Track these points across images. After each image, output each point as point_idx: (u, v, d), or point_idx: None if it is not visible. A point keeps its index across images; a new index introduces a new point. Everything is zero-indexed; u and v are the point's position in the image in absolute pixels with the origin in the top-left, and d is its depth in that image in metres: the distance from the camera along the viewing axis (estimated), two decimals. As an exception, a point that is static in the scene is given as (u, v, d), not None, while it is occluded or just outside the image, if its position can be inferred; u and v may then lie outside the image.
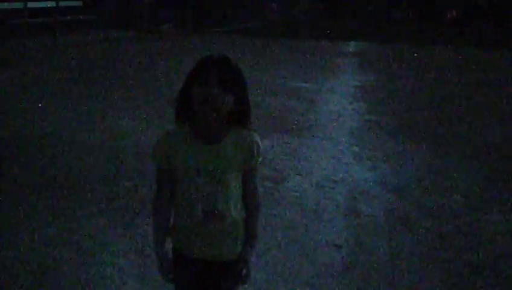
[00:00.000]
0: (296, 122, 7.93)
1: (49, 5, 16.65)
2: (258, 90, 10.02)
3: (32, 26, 16.42)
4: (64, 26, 16.68)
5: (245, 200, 2.25)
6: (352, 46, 19.21)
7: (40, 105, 8.35)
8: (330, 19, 32.97)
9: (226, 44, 18.37)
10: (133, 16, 23.02)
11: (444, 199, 5.18)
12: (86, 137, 6.77)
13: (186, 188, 2.12)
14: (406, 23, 29.84)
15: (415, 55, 16.82)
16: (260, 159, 2.23)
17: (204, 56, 2.05)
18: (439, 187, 5.48)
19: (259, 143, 2.21)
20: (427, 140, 7.12)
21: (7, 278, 3.53)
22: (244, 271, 2.22)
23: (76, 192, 5.02)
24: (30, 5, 16.70)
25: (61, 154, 6.08)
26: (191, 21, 24.72)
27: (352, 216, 4.72)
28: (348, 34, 23.66)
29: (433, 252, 4.11)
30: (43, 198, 4.85)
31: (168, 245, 2.27)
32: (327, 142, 6.90)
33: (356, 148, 6.68)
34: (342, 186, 5.41)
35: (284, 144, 6.75)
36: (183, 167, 2.10)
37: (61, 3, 16.94)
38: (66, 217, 4.47)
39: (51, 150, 6.23)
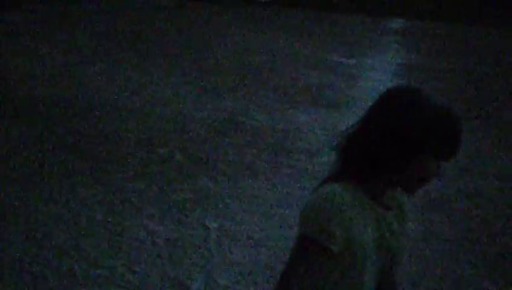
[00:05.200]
0: (334, 97, 7.86)
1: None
2: (297, 64, 9.94)
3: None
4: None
5: None
6: (394, 23, 18.85)
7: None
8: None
9: (264, 17, 18.25)
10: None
11: (480, 181, 5.08)
12: (125, 103, 6.84)
13: (352, 280, 1.44)
14: (455, 2, 29.07)
15: (462, 35, 16.46)
16: None
17: (449, 110, 1.39)
18: (475, 170, 5.37)
19: None
20: (466, 121, 6.98)
21: (42, 234, 3.61)
22: None
23: (114, 156, 5.09)
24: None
25: (101, 118, 6.16)
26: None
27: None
28: (391, 10, 23.21)
29: (466, 235, 4.05)
30: (81, 160, 4.93)
31: None
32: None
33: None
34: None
35: (321, 119, 6.70)
36: (359, 246, 1.41)
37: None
38: (103, 180, 4.55)
39: (91, 113, 6.31)
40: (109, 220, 3.89)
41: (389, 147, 1.38)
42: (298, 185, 4.72)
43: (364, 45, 13.09)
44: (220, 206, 4.22)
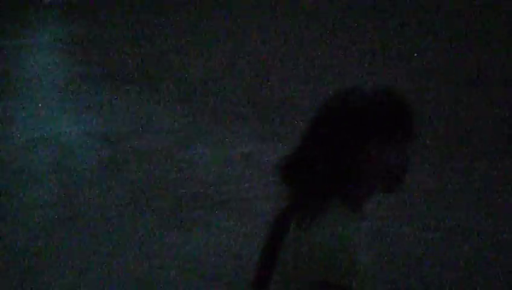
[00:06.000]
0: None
1: None
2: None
3: None
4: None
5: None
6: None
7: None
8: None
9: None
10: None
11: (156, 137, 5.36)
12: None
13: None
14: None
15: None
16: None
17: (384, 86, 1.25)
18: (150, 129, 5.61)
19: None
20: (136, 84, 7.15)
21: None
22: None
23: None
24: None
25: None
26: None
27: (62, 173, 4.62)
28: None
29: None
30: None
31: None
32: (33, 102, 6.55)
33: (54, 101, 6.47)
34: (50, 144, 5.22)
35: None
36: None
37: None
38: None
39: None
40: None
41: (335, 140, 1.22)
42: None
43: (16, 24, 12.37)
44: None
